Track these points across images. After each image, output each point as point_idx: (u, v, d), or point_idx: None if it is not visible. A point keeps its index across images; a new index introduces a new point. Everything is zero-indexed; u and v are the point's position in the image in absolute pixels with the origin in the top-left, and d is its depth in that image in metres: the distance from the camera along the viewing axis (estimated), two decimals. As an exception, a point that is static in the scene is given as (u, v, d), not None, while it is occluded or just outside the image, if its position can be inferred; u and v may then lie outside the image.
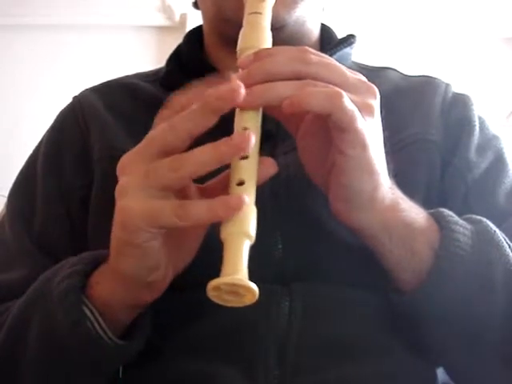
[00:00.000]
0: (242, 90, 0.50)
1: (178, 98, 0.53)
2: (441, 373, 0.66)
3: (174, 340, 0.62)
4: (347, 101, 0.51)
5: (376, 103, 0.55)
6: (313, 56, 0.54)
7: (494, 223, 0.61)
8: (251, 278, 0.48)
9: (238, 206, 0.48)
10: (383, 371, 0.61)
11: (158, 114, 0.54)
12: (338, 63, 0.55)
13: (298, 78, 0.53)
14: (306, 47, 0.55)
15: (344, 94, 0.51)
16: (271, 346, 0.60)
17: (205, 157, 0.49)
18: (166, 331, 0.62)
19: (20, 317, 0.61)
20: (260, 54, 0.55)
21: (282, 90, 0.52)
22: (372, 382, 0.60)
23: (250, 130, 0.52)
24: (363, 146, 0.53)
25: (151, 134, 0.52)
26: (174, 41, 0.84)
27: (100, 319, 0.57)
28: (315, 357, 0.60)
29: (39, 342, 0.59)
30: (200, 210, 0.49)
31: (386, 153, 0.57)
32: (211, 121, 0.50)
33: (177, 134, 0.50)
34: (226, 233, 0.49)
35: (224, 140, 0.49)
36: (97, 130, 0.74)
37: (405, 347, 0.62)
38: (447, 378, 0.66)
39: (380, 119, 0.56)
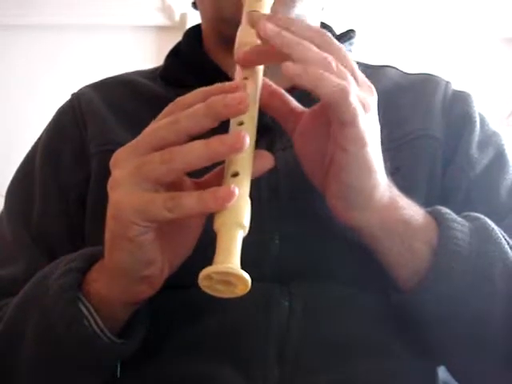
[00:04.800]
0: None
1: (184, 98, 0.53)
2: (441, 371, 0.66)
3: (172, 340, 0.62)
4: (354, 96, 0.51)
5: (373, 102, 0.55)
6: (333, 40, 0.54)
7: (495, 219, 0.61)
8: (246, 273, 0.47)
9: (229, 197, 0.48)
10: (383, 371, 0.61)
11: (159, 110, 0.54)
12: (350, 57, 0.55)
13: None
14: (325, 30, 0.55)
15: (353, 91, 0.51)
16: (271, 346, 0.60)
17: (197, 152, 0.49)
18: (164, 331, 0.62)
19: (17, 314, 0.62)
20: (278, 20, 0.54)
21: (305, 49, 0.52)
22: (372, 382, 0.60)
23: (245, 123, 0.52)
24: (364, 143, 0.53)
25: (148, 129, 0.53)
26: (174, 41, 0.84)
27: (96, 317, 0.57)
28: (315, 357, 0.60)
29: (36, 339, 0.59)
30: (190, 201, 0.48)
31: (384, 151, 0.57)
32: (212, 124, 0.50)
33: (175, 130, 0.50)
34: (218, 223, 0.49)
35: (218, 138, 0.49)
36: (94, 126, 0.74)
37: (405, 346, 0.62)
38: (448, 376, 0.66)
39: (377, 118, 0.56)
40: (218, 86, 0.52)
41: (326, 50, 0.53)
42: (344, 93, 0.51)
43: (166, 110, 0.53)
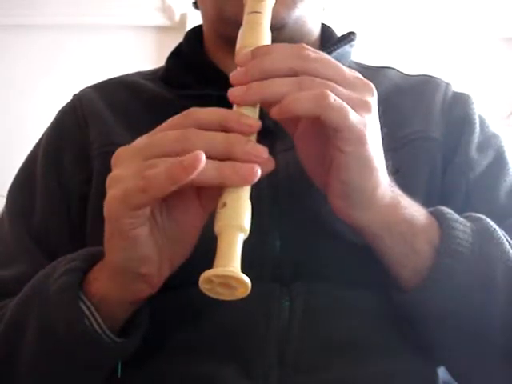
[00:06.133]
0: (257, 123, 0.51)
1: (199, 113, 0.53)
2: (442, 371, 0.66)
3: (173, 340, 0.62)
4: (334, 100, 0.51)
5: (373, 100, 0.55)
6: (310, 52, 0.54)
7: (495, 221, 0.61)
8: (247, 275, 0.48)
9: (194, 164, 0.47)
10: (384, 371, 0.61)
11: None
12: (334, 60, 0.55)
13: (296, 74, 0.53)
14: (303, 44, 0.55)
15: (330, 93, 0.51)
16: (271, 346, 0.60)
17: (208, 173, 0.49)
18: (165, 331, 0.62)
19: (17, 314, 0.62)
20: (258, 52, 0.55)
21: (278, 87, 0.52)
22: (372, 382, 0.60)
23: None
24: (361, 142, 0.53)
25: (157, 135, 0.52)
26: (174, 41, 0.84)
27: (97, 315, 0.57)
28: (315, 357, 0.60)
29: (37, 338, 0.59)
30: (160, 176, 0.48)
31: (385, 150, 0.57)
32: (226, 157, 0.50)
33: (186, 149, 0.50)
34: (219, 225, 0.49)
35: (231, 165, 0.49)
36: (96, 128, 0.74)
37: (405, 346, 0.62)
38: (448, 376, 0.66)
39: (378, 116, 0.56)
40: (235, 117, 0.52)
41: (302, 65, 0.53)
42: (322, 101, 0.51)
43: (177, 120, 0.53)
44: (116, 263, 0.55)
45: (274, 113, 0.52)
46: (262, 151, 0.51)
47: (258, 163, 0.50)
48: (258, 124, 0.53)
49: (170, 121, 0.53)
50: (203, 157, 0.48)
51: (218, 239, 0.49)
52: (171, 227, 0.55)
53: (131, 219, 0.51)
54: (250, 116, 0.53)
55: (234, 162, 0.50)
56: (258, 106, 0.55)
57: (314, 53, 0.55)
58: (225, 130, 0.52)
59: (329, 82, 0.53)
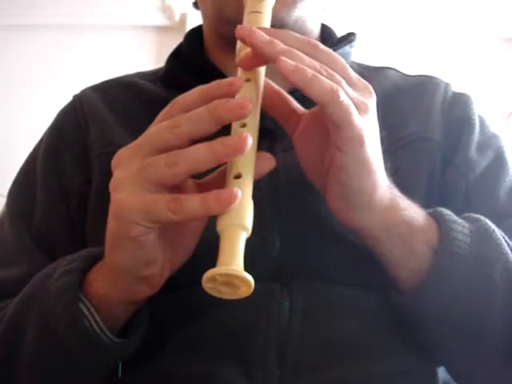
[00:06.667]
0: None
1: (183, 98, 0.53)
2: (442, 371, 0.66)
3: (173, 339, 0.62)
4: (344, 97, 0.51)
5: (372, 103, 0.55)
6: (319, 43, 0.54)
7: (494, 221, 0.61)
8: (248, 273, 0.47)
9: (232, 200, 0.48)
10: (383, 371, 0.61)
11: (159, 112, 0.54)
12: (341, 57, 0.55)
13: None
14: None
15: (342, 91, 0.51)
16: (271, 346, 0.60)
17: (201, 155, 0.49)
18: (165, 330, 0.62)
19: (17, 315, 0.62)
20: (272, 32, 0.54)
21: (299, 55, 0.52)
22: (372, 382, 0.60)
23: (247, 125, 0.52)
24: (360, 143, 0.53)
25: (150, 130, 0.53)
26: (174, 41, 0.84)
27: (96, 316, 0.57)
28: (315, 357, 0.60)
29: (37, 339, 0.59)
30: (194, 204, 0.48)
31: (384, 152, 0.57)
32: (215, 128, 0.50)
33: (178, 134, 0.50)
34: (222, 225, 0.49)
35: (221, 140, 0.49)
36: (96, 128, 0.74)
37: (405, 347, 0.62)
38: (448, 376, 0.66)
39: (376, 119, 0.56)
40: (215, 83, 0.52)
41: (315, 56, 0.53)
42: (334, 94, 0.51)
43: (165, 111, 0.53)
44: (120, 265, 0.55)
45: (286, 70, 0.50)
46: (244, 100, 0.50)
47: (244, 115, 0.49)
48: (240, 81, 0.52)
49: (160, 115, 0.54)
50: (239, 193, 0.48)
51: (220, 238, 0.49)
52: (173, 228, 0.54)
53: (147, 228, 0.51)
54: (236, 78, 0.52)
55: (224, 137, 0.49)
56: (260, 104, 0.55)
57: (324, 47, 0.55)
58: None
59: (339, 77, 0.53)
